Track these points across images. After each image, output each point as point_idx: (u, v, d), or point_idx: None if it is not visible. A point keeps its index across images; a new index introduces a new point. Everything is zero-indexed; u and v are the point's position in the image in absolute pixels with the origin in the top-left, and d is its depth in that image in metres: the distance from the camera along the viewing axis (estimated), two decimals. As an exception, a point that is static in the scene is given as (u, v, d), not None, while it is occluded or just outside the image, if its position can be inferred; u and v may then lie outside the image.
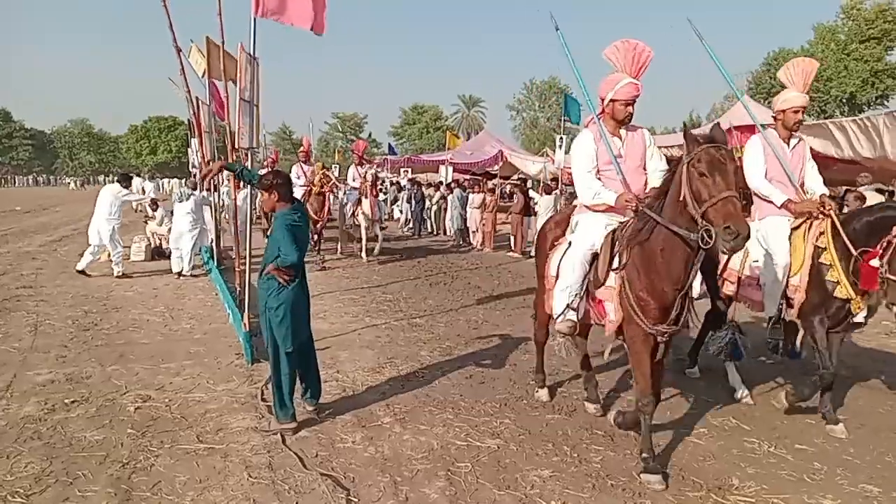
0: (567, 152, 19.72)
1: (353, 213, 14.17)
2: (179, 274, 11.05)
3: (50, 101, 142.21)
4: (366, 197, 13.63)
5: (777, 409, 5.27)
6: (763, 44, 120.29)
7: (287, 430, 4.66)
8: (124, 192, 11.45)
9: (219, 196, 13.53)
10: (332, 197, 14.21)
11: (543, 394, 5.52)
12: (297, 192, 13.33)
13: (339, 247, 14.96)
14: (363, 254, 13.94)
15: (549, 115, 69.57)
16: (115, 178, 11.92)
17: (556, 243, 4.98)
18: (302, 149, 16.22)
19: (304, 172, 14.52)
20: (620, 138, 4.60)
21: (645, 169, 4.66)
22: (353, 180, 14.40)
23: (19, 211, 28.85)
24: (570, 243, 4.66)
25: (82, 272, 10.91)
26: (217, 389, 5.56)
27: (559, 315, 4.60)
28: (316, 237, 13.33)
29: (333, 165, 26.01)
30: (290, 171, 15.18)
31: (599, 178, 4.52)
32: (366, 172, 13.86)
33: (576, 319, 4.56)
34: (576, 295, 4.51)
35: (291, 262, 4.55)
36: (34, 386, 5.58)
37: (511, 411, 5.20)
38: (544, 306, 5.08)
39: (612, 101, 4.49)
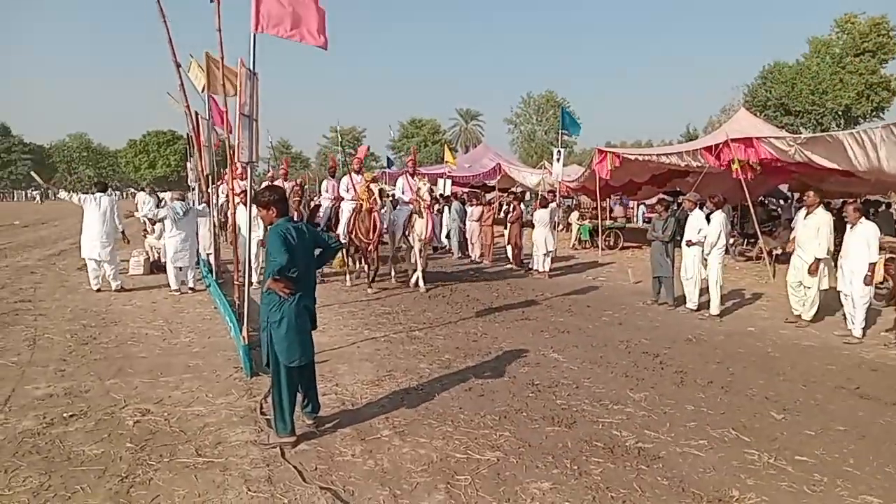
0: (564, 165, 19.85)
1: (404, 233, 12.05)
2: (180, 290, 10.97)
3: (49, 115, 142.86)
4: (420, 215, 11.49)
5: (777, 420, 5.27)
6: (759, 57, 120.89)
7: (286, 444, 4.64)
8: (108, 202, 10.97)
9: (218, 209, 13.55)
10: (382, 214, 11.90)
11: None
12: (347, 207, 11.92)
13: (391, 273, 12.82)
14: (420, 282, 11.80)
15: (546, 129, 69.84)
16: (96, 189, 11.25)
17: None
18: (357, 156, 13.77)
19: (355, 185, 11.83)
20: None
21: None
22: (403, 193, 12.22)
23: (18, 225, 28.85)
24: None
25: (99, 290, 10.89)
26: (216, 403, 5.55)
27: None
28: (366, 263, 11.90)
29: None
30: (323, 184, 13.62)
31: None
32: (418, 188, 11.49)
33: None
34: None
35: (280, 264, 4.49)
36: (33, 400, 5.56)
37: (511, 424, 5.19)
38: None
39: None
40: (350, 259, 12.54)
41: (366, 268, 11.88)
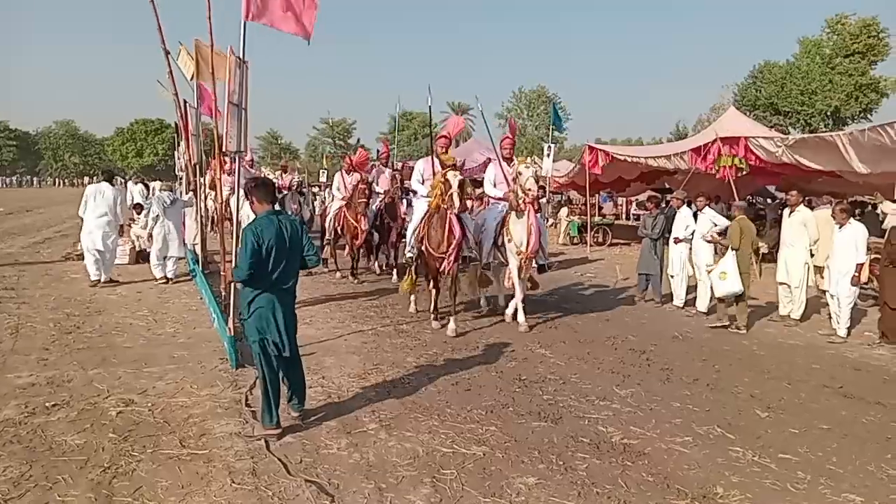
0: (554, 160, 19.86)
1: (496, 241, 8.67)
2: (167, 280, 10.89)
3: (35, 102, 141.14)
4: (519, 214, 8.09)
5: (762, 418, 5.31)
6: (749, 56, 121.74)
7: (271, 436, 4.62)
8: (112, 192, 10.82)
9: (205, 200, 13.42)
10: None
11: None
12: (420, 207, 8.73)
13: (480, 298, 9.52)
14: (519, 313, 8.45)
15: (537, 124, 69.92)
16: (102, 178, 11.29)
17: None
18: (444, 132, 9.39)
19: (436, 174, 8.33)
20: None
21: None
22: (495, 185, 8.85)
23: (2, 213, 28.49)
24: None
25: (97, 282, 10.54)
26: (201, 394, 5.51)
27: None
28: (434, 287, 8.63)
29: (321, 171, 25.76)
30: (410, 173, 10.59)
31: None
32: (517, 173, 7.98)
33: None
34: None
35: (238, 278, 4.49)
36: (14, 389, 5.50)
37: (497, 419, 5.19)
38: None
39: None
40: (411, 277, 9.04)
41: (433, 292, 8.66)
